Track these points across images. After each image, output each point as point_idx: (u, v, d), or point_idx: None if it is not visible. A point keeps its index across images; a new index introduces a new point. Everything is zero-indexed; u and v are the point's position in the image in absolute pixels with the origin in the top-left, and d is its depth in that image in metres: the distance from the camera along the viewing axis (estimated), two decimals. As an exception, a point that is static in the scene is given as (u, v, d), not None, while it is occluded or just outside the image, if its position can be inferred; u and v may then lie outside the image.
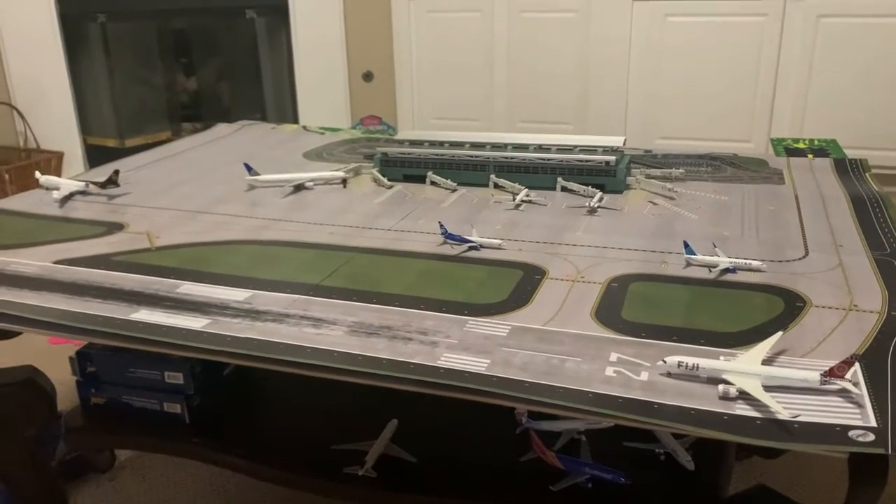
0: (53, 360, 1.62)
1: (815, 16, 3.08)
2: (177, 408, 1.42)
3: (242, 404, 1.49)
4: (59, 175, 1.64)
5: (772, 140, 1.98)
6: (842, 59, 3.09)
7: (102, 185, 1.64)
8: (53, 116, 3.61)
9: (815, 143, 1.93)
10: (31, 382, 1.45)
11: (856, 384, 0.84)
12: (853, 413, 0.80)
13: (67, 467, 1.60)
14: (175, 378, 1.41)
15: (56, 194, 1.61)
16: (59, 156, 3.58)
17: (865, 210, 1.41)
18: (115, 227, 1.44)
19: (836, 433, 0.77)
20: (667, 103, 3.40)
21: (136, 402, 1.44)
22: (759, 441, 0.77)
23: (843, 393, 0.84)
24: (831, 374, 0.84)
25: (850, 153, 1.84)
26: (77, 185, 1.64)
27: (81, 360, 1.46)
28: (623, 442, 1.30)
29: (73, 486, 1.64)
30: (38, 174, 1.73)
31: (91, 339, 1.06)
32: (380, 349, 0.97)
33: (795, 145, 1.91)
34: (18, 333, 1.27)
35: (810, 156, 1.81)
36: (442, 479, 1.26)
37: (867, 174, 1.64)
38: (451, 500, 1.23)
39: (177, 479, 1.68)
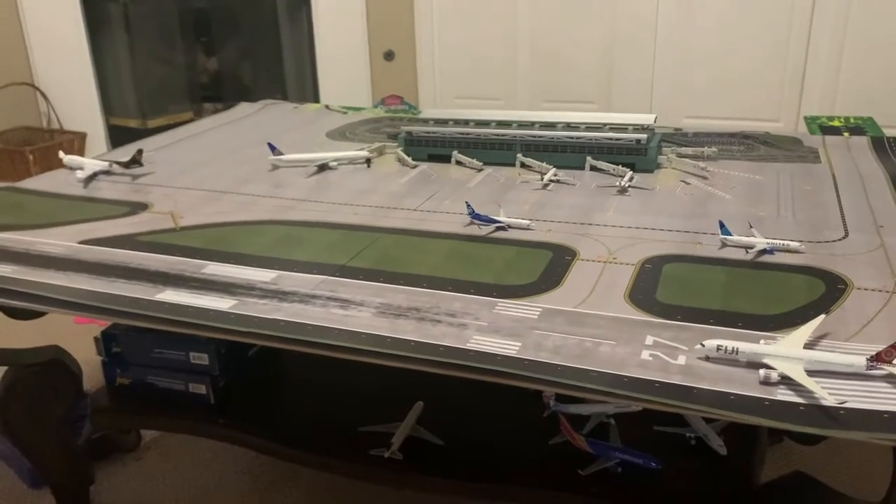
0: (79, 341, 1.63)
1: (848, -10, 2.99)
2: (202, 388, 1.42)
3: (268, 385, 1.49)
4: (81, 156, 1.64)
5: (805, 118, 1.93)
6: (876, 35, 3.00)
7: (126, 165, 1.64)
8: (76, 97, 3.62)
9: (851, 120, 1.87)
10: (57, 363, 1.45)
11: (904, 370, 0.81)
12: (902, 400, 0.77)
13: (93, 447, 1.60)
14: (200, 359, 1.40)
15: (80, 174, 1.60)
16: (82, 137, 3.60)
17: (906, 190, 1.37)
18: (139, 207, 1.43)
19: (884, 420, 0.75)
20: (693, 81, 3.33)
21: (162, 382, 1.44)
22: (804, 428, 0.75)
23: (890, 378, 0.80)
24: (878, 358, 0.81)
25: (887, 132, 1.79)
26: (101, 165, 1.63)
27: (107, 340, 1.46)
28: (653, 426, 1.28)
29: (99, 466, 1.65)
30: (61, 154, 1.72)
31: (117, 319, 1.05)
32: (408, 331, 0.95)
33: (830, 123, 1.86)
34: (44, 313, 1.26)
35: (846, 134, 1.76)
36: (468, 462, 1.24)
37: (907, 153, 1.59)
38: (477, 483, 1.22)
39: (202, 460, 1.69)
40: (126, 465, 1.68)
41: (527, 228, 1.26)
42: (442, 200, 1.42)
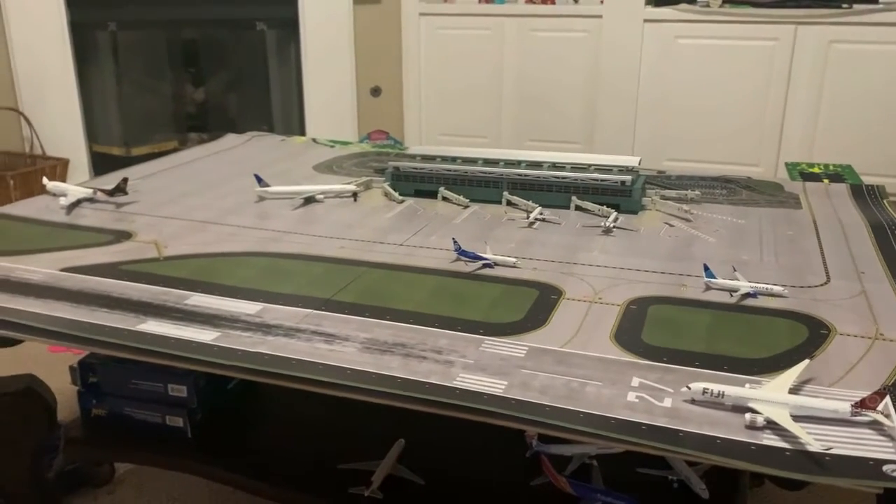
0: (53, 369, 1.60)
1: (826, 41, 3.07)
2: (179, 421, 1.39)
3: (246, 419, 1.46)
4: (63, 182, 1.64)
5: (786, 164, 1.96)
6: (853, 86, 3.08)
7: (110, 193, 1.62)
8: (60, 123, 3.60)
9: (831, 168, 1.91)
10: (30, 392, 1.42)
11: (888, 416, 0.81)
12: (886, 446, 0.78)
13: (65, 479, 1.56)
14: (178, 391, 1.38)
15: (63, 201, 1.58)
16: (65, 163, 3.57)
17: (886, 237, 1.39)
18: (122, 236, 1.41)
19: (869, 467, 0.75)
20: (675, 125, 3.39)
21: (138, 414, 1.41)
22: (791, 473, 0.75)
23: (874, 425, 0.81)
24: (862, 405, 0.81)
25: (864, 180, 1.82)
26: (84, 192, 1.62)
27: (83, 370, 1.43)
28: (636, 468, 1.27)
29: (70, 499, 1.60)
30: (45, 180, 1.70)
31: (98, 349, 1.03)
32: (394, 367, 0.94)
33: (810, 170, 1.90)
34: (19, 342, 1.24)
35: (826, 181, 1.79)
36: (449, 502, 1.22)
37: (885, 201, 1.62)
38: (458, 523, 1.20)
39: (177, 495, 1.65)
40: (97, 500, 1.64)
41: (513, 266, 1.26)
42: (428, 236, 1.42)
